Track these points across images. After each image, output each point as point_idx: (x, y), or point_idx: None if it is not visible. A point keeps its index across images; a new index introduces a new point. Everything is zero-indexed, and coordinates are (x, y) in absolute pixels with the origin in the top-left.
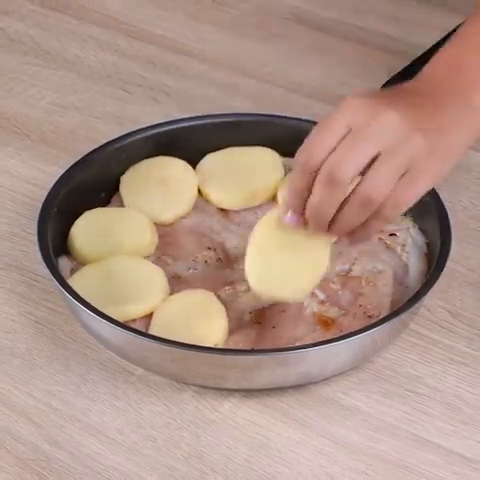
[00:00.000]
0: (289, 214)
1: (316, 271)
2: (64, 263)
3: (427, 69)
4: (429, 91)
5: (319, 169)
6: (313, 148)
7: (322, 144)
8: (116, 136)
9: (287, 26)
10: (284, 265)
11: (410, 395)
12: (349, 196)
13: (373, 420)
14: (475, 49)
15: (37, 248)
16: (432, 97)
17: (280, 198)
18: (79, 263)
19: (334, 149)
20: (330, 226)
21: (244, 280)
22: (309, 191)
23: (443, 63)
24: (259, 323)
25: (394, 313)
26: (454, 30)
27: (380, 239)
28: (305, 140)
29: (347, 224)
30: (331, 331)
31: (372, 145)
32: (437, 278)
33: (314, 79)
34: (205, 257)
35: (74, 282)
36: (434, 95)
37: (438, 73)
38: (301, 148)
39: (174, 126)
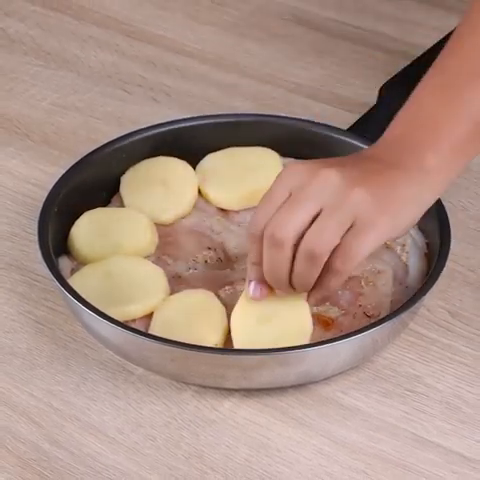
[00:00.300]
0: (252, 287)
1: (300, 336)
2: (64, 263)
3: (386, 133)
4: (384, 155)
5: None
6: (256, 218)
7: (264, 212)
8: (116, 136)
9: (287, 26)
10: (268, 333)
11: (409, 394)
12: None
13: (373, 420)
14: (430, 108)
15: (37, 248)
16: (386, 160)
17: None
18: (79, 263)
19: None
20: (291, 285)
21: (244, 280)
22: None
23: (400, 125)
24: None
25: (394, 313)
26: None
27: None
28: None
29: (302, 281)
30: (331, 331)
31: (312, 203)
32: (437, 278)
33: (314, 79)
34: (205, 257)
35: (74, 282)
36: (389, 158)
37: (395, 136)
38: (248, 222)
39: (174, 126)
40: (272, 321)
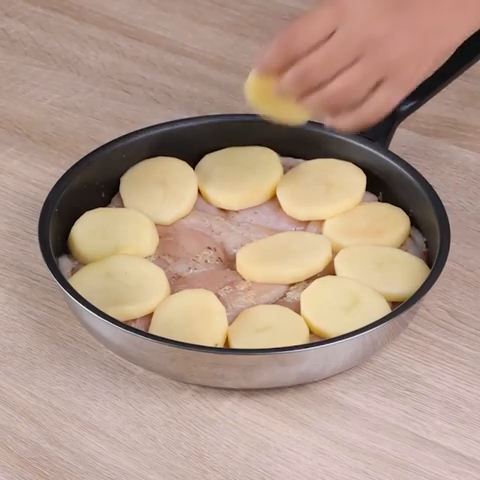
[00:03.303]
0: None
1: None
2: (65, 263)
3: None
4: None
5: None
6: (298, 35)
7: (307, 34)
8: (116, 136)
9: None
10: (265, 339)
11: (409, 394)
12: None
13: (373, 419)
14: None
15: (38, 248)
16: None
17: (280, 197)
18: (79, 263)
19: (315, 47)
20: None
21: (244, 280)
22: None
23: None
24: None
25: (393, 313)
26: None
27: None
28: (294, 22)
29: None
30: None
31: (352, 57)
32: (436, 278)
33: None
34: (205, 257)
35: (75, 282)
36: None
37: None
38: (288, 29)
39: (174, 126)
40: (270, 330)
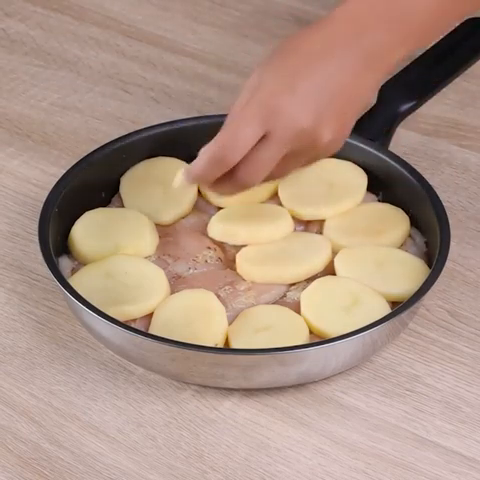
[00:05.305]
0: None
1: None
2: (65, 263)
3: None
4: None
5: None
6: (229, 147)
7: (238, 145)
8: (116, 136)
9: (286, 27)
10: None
11: (409, 394)
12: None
13: (373, 419)
14: None
15: (38, 248)
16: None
17: (281, 197)
18: (79, 263)
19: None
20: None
21: (244, 280)
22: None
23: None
24: None
25: (393, 313)
26: (455, 30)
27: None
28: (221, 132)
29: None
30: None
31: (284, 150)
32: (436, 278)
33: None
34: (205, 257)
35: (74, 282)
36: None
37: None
38: (218, 139)
39: (174, 126)
40: (270, 330)
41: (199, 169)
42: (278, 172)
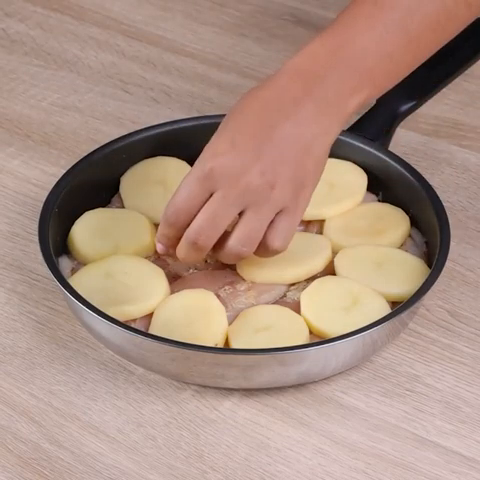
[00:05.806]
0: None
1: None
2: (65, 263)
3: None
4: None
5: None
6: (177, 210)
7: (187, 208)
8: (116, 136)
9: (287, 26)
10: (265, 339)
11: (409, 394)
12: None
13: (373, 419)
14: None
15: (38, 248)
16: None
17: None
18: (79, 263)
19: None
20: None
21: (244, 280)
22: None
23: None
24: None
25: (393, 313)
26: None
27: None
28: (173, 198)
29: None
30: None
31: (235, 209)
32: (436, 278)
33: None
34: (205, 257)
35: (74, 282)
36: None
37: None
38: (171, 203)
39: (174, 126)
40: (270, 330)
41: (158, 234)
42: (270, 238)
